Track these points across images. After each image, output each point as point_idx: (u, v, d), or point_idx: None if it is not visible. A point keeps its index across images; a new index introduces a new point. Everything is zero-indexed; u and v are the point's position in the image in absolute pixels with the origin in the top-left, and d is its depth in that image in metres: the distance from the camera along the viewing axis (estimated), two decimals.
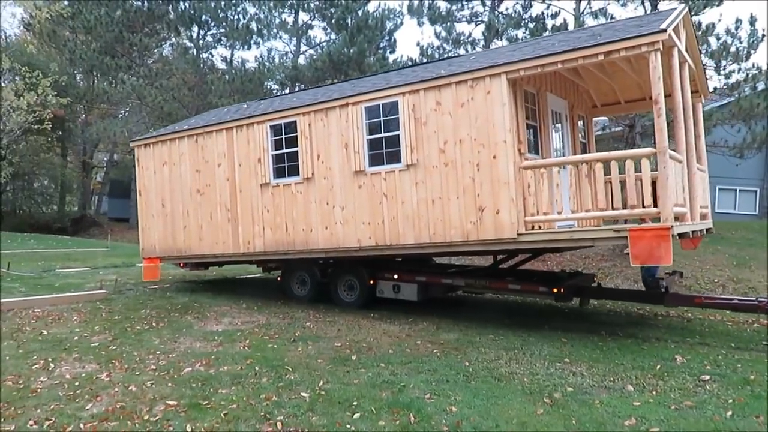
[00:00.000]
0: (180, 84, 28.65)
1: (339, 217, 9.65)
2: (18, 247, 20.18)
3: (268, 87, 27.38)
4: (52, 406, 5.30)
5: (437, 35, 23.36)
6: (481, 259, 13.57)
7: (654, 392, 5.76)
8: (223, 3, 27.35)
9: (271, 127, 10.43)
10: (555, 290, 8.94)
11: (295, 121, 10.10)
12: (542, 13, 22.35)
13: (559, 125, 10.33)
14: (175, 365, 6.62)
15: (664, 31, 7.03)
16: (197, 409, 5.28)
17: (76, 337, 7.85)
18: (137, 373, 6.35)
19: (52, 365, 6.57)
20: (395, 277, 10.17)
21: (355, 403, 5.41)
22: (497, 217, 8.13)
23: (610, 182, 7.80)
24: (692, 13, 17.74)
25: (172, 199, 11.82)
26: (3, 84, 20.44)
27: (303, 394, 5.67)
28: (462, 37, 22.92)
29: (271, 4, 26.65)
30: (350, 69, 24.43)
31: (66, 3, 28.59)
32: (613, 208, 7.76)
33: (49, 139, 31.01)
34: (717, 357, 7.12)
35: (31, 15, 23.97)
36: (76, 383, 5.95)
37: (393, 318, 9.43)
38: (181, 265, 13.02)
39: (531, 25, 21.83)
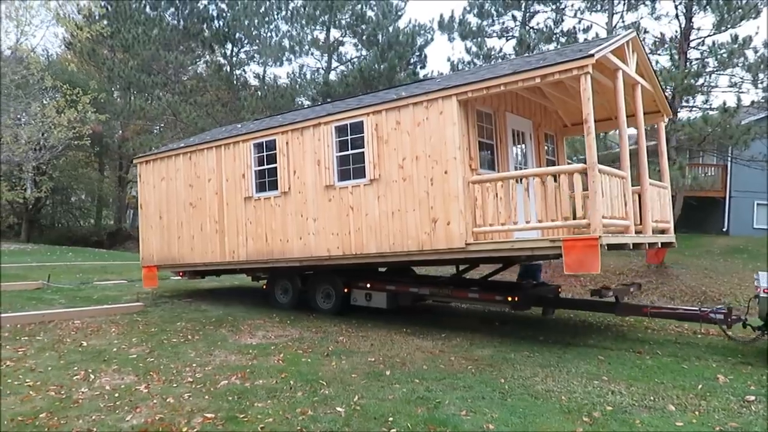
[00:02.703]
0: (213, 100, 29.20)
1: (312, 228, 10.36)
2: (57, 260, 20.67)
3: (300, 102, 27.72)
4: (93, 417, 5.40)
5: (468, 50, 23.39)
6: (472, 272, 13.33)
7: (697, 412, 5.62)
8: (256, 21, 27.85)
9: (254, 145, 11.23)
10: (510, 299, 9.42)
11: (275, 140, 10.89)
12: (574, 27, 22.26)
13: (522, 144, 10.79)
14: (211, 378, 6.69)
15: (592, 56, 7.60)
16: (234, 422, 5.32)
17: (114, 349, 7.99)
18: (174, 385, 6.43)
19: (92, 376, 6.69)
20: (367, 286, 10.78)
21: (390, 418, 5.39)
22: (448, 228, 8.72)
23: (545, 195, 8.27)
24: (728, 26, 17.54)
25: (168, 212, 12.74)
26: (45, 101, 21.00)
27: (338, 408, 5.67)
28: (493, 52, 22.91)
29: (304, 22, 27.04)
30: (381, 84, 24.57)
31: (105, 22, 29.39)
32: (550, 220, 8.18)
33: (88, 154, 31.84)
34: (761, 377, 6.92)
35: (72, 35, 24.68)
36: (116, 394, 6.05)
37: (425, 333, 9.39)
38: (180, 274, 13.87)
39: (563, 40, 21.74)
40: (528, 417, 5.46)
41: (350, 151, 9.93)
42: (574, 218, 8.05)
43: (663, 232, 10.36)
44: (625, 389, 6.38)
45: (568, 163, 13.51)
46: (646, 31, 19.00)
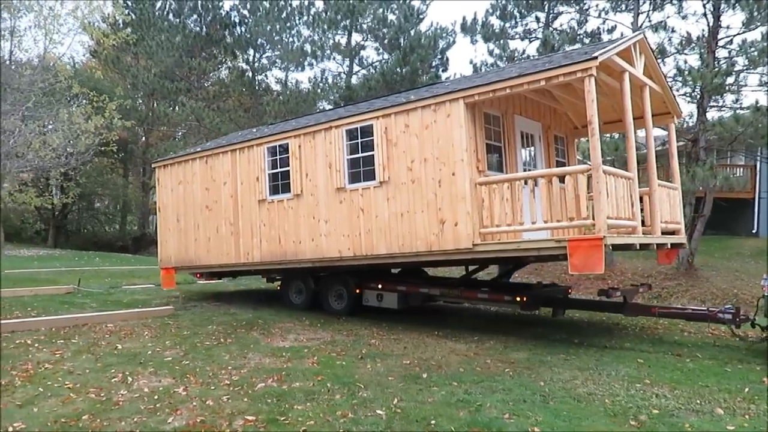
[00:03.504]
0: (236, 106, 29.40)
1: (323, 230, 10.49)
2: (85, 265, 20.91)
3: (322, 107, 27.79)
4: (135, 419, 5.39)
5: (490, 53, 23.27)
6: (483, 273, 13.14)
7: (747, 416, 5.47)
8: (278, 26, 27.99)
9: (268, 148, 11.43)
10: (518, 299, 9.50)
11: (288, 143, 11.06)
12: (598, 28, 22.05)
13: (532, 146, 10.88)
14: (247, 380, 6.66)
15: (595, 58, 7.68)
16: (276, 424, 5.28)
17: (149, 352, 8.01)
18: (212, 387, 6.41)
19: (130, 379, 6.70)
20: (379, 286, 10.90)
21: (432, 421, 5.32)
22: (456, 229, 8.81)
23: (551, 196, 8.37)
24: (758, 24, 17.22)
25: (186, 215, 12.95)
26: (73, 109, 21.30)
27: (378, 411, 5.60)
28: (516, 54, 22.75)
29: (325, 26, 27.12)
30: (403, 88, 24.57)
31: (129, 30, 29.74)
32: (556, 221, 8.23)
33: (113, 160, 32.24)
34: None
35: (97, 42, 25.01)
36: (155, 397, 6.05)
37: (458, 336, 9.31)
38: (198, 275, 14.23)
39: (587, 41, 21.52)
40: (573, 420, 5.35)
41: (360, 154, 10.07)
42: (578, 218, 8.08)
43: (673, 233, 10.39)
44: (669, 392, 6.23)
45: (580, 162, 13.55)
46: (673, 30, 18.72)
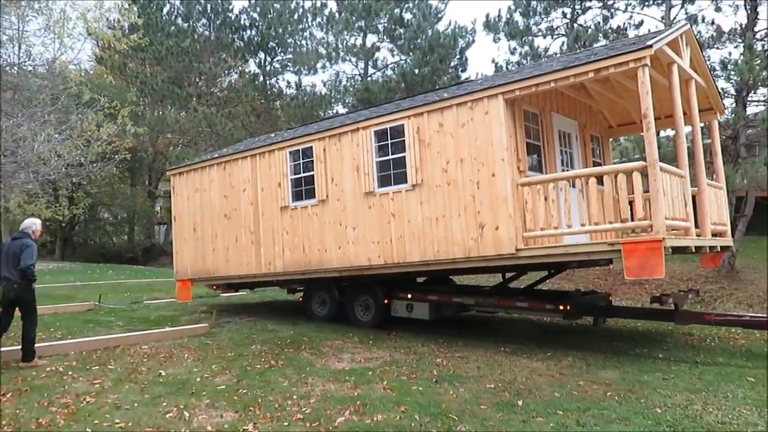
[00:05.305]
0: (248, 111, 28.62)
1: (351, 236, 9.97)
2: (99, 278, 20.09)
3: (337, 110, 27.03)
4: None
5: (512, 51, 22.53)
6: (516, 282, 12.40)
7: None
8: (290, 28, 27.24)
9: (290, 152, 10.94)
10: (561, 307, 9.01)
11: (312, 147, 10.58)
12: (624, 23, 21.34)
13: (568, 145, 10.29)
14: (322, 413, 5.82)
15: (650, 47, 7.22)
16: None
17: (197, 378, 7.18)
18: (285, 423, 5.58)
19: (186, 413, 5.85)
20: (408, 296, 10.37)
21: None
22: (497, 233, 8.29)
23: (601, 197, 8.15)
24: None
25: (203, 223, 12.40)
26: (82, 116, 20.46)
27: None
28: (540, 52, 22.02)
29: (340, 27, 26.35)
30: (423, 89, 23.80)
31: (135, 36, 28.93)
32: (607, 222, 7.94)
33: (122, 169, 31.40)
34: None
35: (104, 48, 24.20)
36: None
37: (529, 352, 8.51)
38: (214, 287, 13.52)
39: (612, 37, 20.81)
40: None
41: (390, 156, 9.56)
42: (631, 219, 7.67)
43: (720, 235, 9.88)
44: None
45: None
46: (713, 22, 17.97)
